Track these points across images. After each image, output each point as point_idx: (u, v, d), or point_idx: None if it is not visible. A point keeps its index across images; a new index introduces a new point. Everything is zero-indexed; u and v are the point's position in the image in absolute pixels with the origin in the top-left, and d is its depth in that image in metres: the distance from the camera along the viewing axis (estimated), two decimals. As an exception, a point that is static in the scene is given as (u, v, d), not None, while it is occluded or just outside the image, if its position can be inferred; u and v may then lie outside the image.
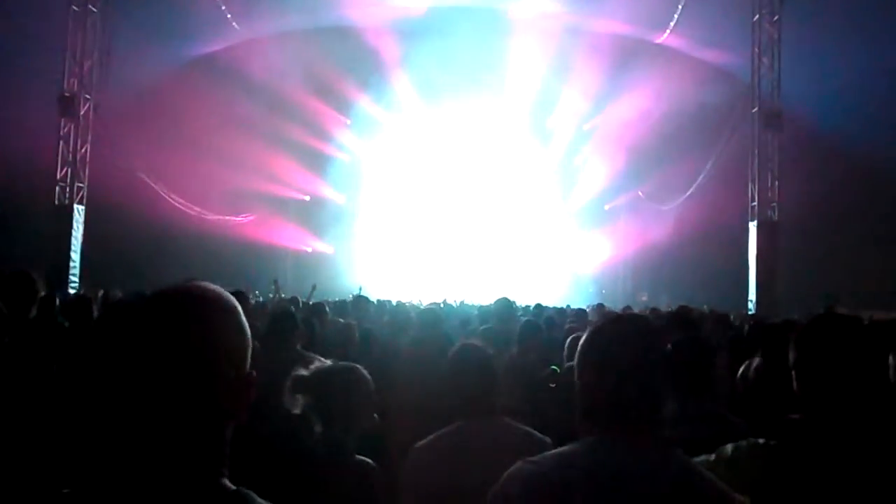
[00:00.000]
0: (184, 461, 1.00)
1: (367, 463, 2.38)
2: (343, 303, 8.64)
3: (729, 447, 1.80)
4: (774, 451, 1.74)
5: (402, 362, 4.52)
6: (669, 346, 2.71)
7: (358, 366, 2.55)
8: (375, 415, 2.48)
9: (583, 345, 1.63)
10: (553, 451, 1.60)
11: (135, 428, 0.99)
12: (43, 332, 3.43)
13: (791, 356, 1.81)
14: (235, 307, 1.07)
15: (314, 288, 9.42)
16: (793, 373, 1.80)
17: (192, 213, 19.53)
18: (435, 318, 5.15)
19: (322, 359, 4.10)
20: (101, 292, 7.83)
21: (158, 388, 0.99)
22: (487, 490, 1.56)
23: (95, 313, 4.78)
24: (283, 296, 9.29)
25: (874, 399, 1.69)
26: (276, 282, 10.17)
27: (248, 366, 1.07)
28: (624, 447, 1.50)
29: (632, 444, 1.51)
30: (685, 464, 1.53)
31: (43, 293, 3.63)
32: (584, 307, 11.17)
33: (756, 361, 3.88)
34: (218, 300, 1.06)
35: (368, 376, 2.51)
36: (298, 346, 4.17)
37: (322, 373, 2.43)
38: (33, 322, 3.43)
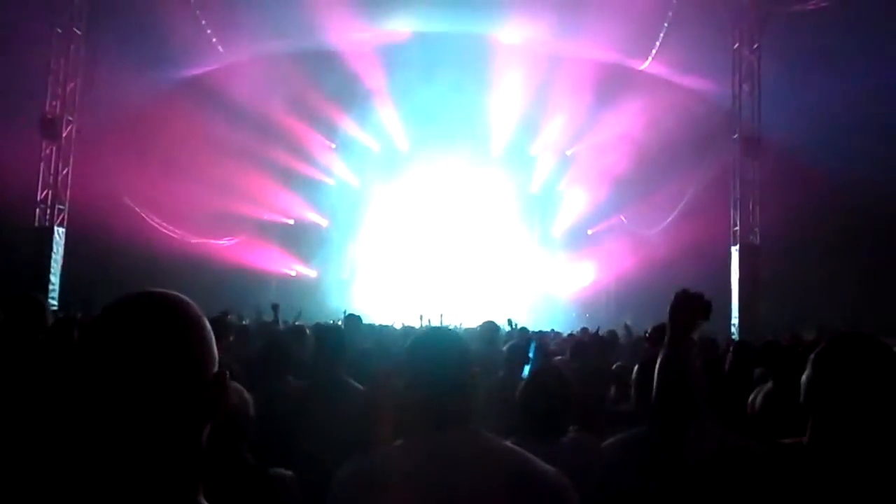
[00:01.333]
0: (164, 476, 0.97)
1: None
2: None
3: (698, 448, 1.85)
4: (750, 455, 1.70)
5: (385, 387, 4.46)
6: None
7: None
8: None
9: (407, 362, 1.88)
10: (382, 449, 1.82)
11: (117, 438, 0.95)
12: (57, 356, 3.34)
13: (806, 374, 1.71)
14: (198, 310, 1.08)
15: (299, 314, 8.91)
16: (802, 392, 1.71)
17: (175, 236, 19.39)
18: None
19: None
20: (79, 315, 7.69)
21: (142, 394, 0.96)
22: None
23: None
24: (268, 319, 9.14)
25: (888, 430, 1.59)
26: (274, 306, 9.55)
27: (216, 365, 1.07)
28: (444, 442, 1.73)
29: (450, 440, 1.74)
30: (506, 451, 1.77)
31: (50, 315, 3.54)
32: (570, 332, 11.16)
33: (766, 387, 3.82)
34: (184, 302, 1.06)
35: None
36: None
37: None
38: (44, 344, 3.34)
